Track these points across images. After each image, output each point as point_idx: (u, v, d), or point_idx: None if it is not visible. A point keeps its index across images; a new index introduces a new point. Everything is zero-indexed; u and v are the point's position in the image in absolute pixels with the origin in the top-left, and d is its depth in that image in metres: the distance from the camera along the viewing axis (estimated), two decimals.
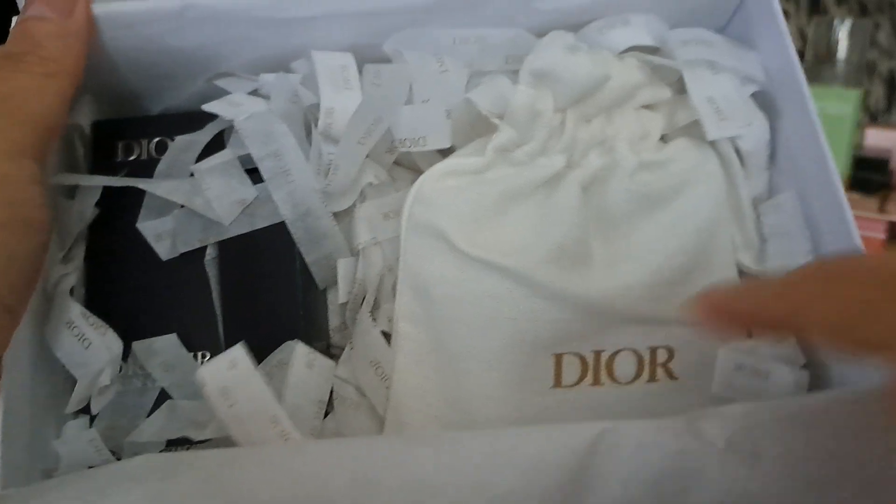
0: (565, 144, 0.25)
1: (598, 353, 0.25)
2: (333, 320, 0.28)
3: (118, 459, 0.25)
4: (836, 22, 0.68)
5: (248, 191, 0.26)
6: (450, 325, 0.25)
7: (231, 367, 0.21)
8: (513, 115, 0.25)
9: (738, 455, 0.20)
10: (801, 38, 0.73)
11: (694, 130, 0.27)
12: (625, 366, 0.25)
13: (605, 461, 0.21)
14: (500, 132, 0.25)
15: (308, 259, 0.26)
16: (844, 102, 0.66)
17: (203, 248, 0.26)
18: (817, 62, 0.68)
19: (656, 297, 0.25)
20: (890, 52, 0.76)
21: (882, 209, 0.74)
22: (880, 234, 0.74)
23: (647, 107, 0.27)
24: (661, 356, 0.25)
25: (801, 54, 0.59)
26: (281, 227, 0.26)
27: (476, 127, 0.27)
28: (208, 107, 0.26)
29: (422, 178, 0.26)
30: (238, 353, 0.21)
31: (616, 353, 0.25)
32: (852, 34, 0.67)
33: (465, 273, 0.25)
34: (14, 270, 0.21)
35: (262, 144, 0.25)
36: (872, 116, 1.01)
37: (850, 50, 0.67)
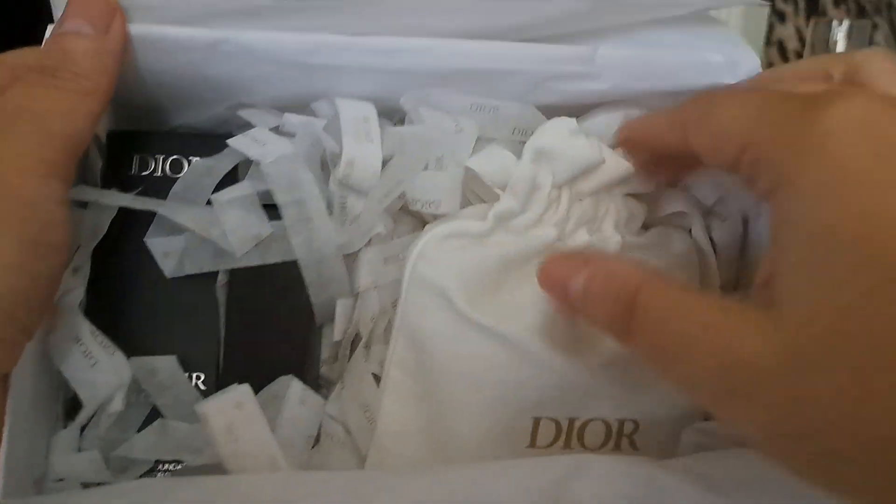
0: (559, 218, 0.27)
1: (572, 421, 0.27)
2: (324, 352, 0.30)
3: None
4: (834, 23, 0.68)
5: (265, 227, 0.27)
6: (440, 378, 0.26)
7: (237, 406, 0.22)
8: (514, 187, 0.27)
9: (699, 478, 0.23)
10: (800, 39, 0.75)
11: (674, 219, 0.30)
12: (594, 434, 0.27)
13: (581, 487, 0.23)
14: (502, 201, 0.27)
15: (314, 300, 0.27)
16: None
17: (212, 272, 0.27)
18: None
19: (631, 372, 0.27)
20: None
21: None
22: None
23: (633, 195, 0.29)
24: (628, 428, 0.27)
25: (800, 55, 0.62)
26: (293, 263, 0.27)
27: (473, 189, 0.29)
28: (233, 142, 0.27)
29: (426, 237, 0.27)
30: (244, 395, 0.22)
31: (588, 421, 0.27)
32: (850, 35, 0.67)
33: (461, 332, 0.26)
34: (33, 291, 0.22)
35: (287, 191, 0.26)
36: None
37: (848, 51, 0.66)
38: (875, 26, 0.74)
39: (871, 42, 0.71)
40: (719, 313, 0.19)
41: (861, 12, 0.80)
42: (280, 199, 0.26)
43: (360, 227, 0.27)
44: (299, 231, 0.26)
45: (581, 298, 0.22)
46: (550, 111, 0.30)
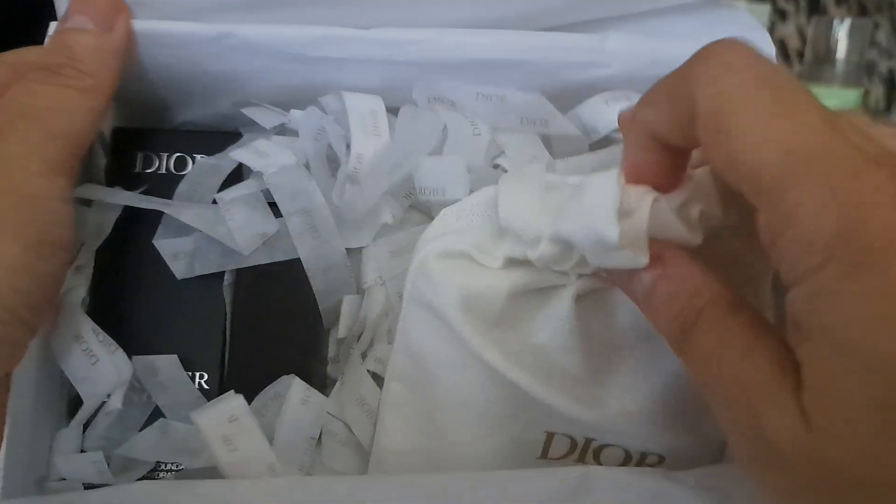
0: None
1: (588, 441, 0.25)
2: (330, 351, 0.29)
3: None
4: (835, 21, 0.66)
5: (270, 224, 0.26)
6: (442, 394, 0.25)
7: (231, 419, 0.21)
8: (535, 260, 0.23)
9: (710, 491, 0.22)
10: (801, 37, 0.74)
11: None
12: (612, 458, 0.25)
13: (589, 499, 0.22)
14: (514, 247, 0.24)
15: (322, 306, 0.27)
16: (844, 102, 0.64)
17: (218, 272, 0.27)
18: (817, 62, 0.67)
19: (657, 418, 0.24)
20: (889, 52, 0.76)
21: None
22: None
23: None
24: (651, 460, 0.25)
25: (801, 54, 0.61)
26: (300, 262, 0.27)
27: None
28: (235, 154, 0.26)
29: (425, 252, 0.25)
30: (239, 407, 0.22)
31: (607, 445, 0.25)
32: (852, 34, 0.65)
33: (463, 361, 0.24)
34: (37, 291, 0.22)
35: (291, 200, 0.26)
36: (872, 116, 1.00)
37: (850, 50, 0.65)
38: (876, 25, 0.73)
39: (872, 41, 0.69)
40: (759, 377, 0.18)
41: (862, 11, 0.78)
42: (284, 209, 0.26)
43: (360, 203, 0.26)
44: (305, 240, 0.26)
45: (644, 298, 0.21)
46: (558, 100, 0.29)
